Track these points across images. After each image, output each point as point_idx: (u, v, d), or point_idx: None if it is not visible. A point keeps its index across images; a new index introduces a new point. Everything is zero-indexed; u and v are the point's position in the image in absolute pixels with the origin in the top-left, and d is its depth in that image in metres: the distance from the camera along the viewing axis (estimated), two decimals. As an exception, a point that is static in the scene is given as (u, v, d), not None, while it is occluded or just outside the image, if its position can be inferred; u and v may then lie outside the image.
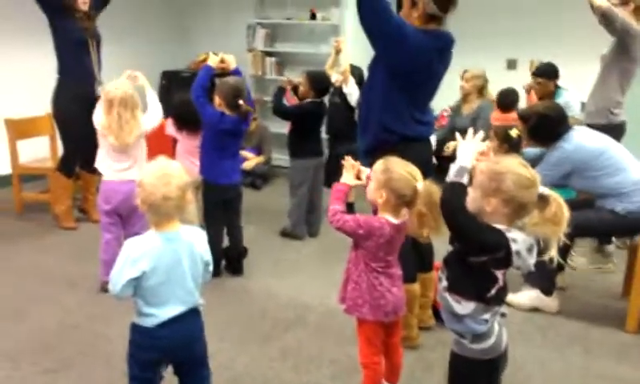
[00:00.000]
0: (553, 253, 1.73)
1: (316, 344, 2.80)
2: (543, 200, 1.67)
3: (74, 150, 4.27)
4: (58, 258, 3.76)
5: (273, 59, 6.81)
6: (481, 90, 5.30)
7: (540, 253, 1.71)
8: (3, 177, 4.97)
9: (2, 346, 2.70)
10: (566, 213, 1.68)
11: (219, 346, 2.69)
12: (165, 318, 1.87)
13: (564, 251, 3.34)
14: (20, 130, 4.58)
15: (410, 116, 2.64)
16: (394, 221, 2.07)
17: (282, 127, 6.58)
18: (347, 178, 2.20)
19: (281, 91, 4.31)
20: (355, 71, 4.64)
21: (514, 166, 1.68)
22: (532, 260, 1.70)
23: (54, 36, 4.16)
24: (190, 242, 1.91)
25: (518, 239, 1.65)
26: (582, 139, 3.15)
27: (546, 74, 4.68)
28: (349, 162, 2.24)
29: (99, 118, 3.14)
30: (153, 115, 3.36)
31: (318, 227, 4.38)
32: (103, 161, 3.18)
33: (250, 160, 5.85)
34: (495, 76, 5.49)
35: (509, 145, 3.47)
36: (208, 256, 1.98)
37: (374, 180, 2.09)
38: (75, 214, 4.47)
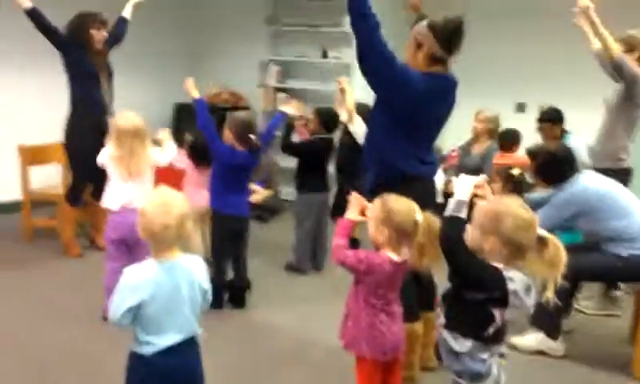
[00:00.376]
0: (550, 294, 1.75)
1: (319, 382, 2.77)
2: (541, 242, 1.69)
3: (82, 181, 4.34)
4: (62, 286, 3.77)
5: (284, 95, 6.91)
6: (492, 133, 5.34)
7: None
8: (14, 203, 5.03)
9: (5, 373, 2.69)
10: (564, 256, 1.70)
11: (217, 379, 2.67)
12: (163, 346, 1.87)
13: (570, 295, 3.32)
14: (32, 156, 4.66)
15: (413, 156, 2.66)
16: (396, 258, 2.08)
17: (291, 161, 6.62)
18: (352, 213, 2.21)
19: (289, 128, 4.36)
20: (363, 110, 4.70)
21: (513, 207, 1.70)
22: (530, 301, 1.71)
23: (66, 68, 4.27)
24: (189, 270, 1.93)
25: (515, 279, 1.66)
26: (588, 182, 3.16)
27: (551, 118, 4.72)
28: (354, 197, 2.26)
29: (109, 149, 3.19)
30: (168, 151, 3.43)
31: (323, 262, 4.38)
32: (111, 192, 3.22)
33: (258, 193, 5.87)
34: (504, 118, 5.53)
35: (511, 184, 3.49)
36: (206, 284, 1.99)
37: (373, 219, 2.11)
38: (83, 242, 4.51)
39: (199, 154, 4.08)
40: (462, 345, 1.75)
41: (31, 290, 3.68)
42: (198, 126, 3.52)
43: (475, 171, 5.16)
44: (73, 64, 4.24)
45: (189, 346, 1.95)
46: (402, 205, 2.07)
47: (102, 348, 2.94)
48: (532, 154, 3.40)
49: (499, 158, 4.82)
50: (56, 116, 4.40)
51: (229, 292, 3.64)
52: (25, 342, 2.99)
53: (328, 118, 4.33)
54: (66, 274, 3.99)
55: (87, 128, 4.14)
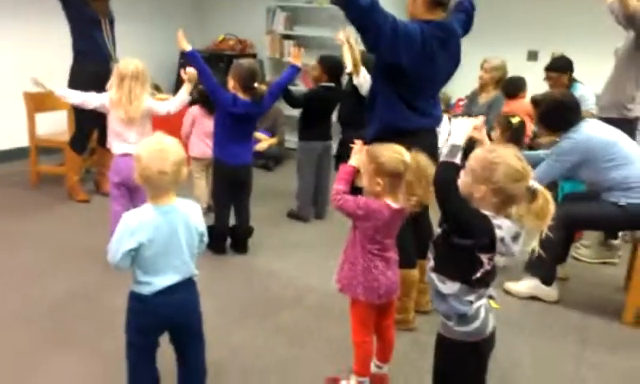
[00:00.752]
0: (534, 244, 1.76)
1: (314, 322, 2.86)
2: (532, 193, 1.69)
3: (87, 128, 4.38)
4: (70, 230, 3.88)
5: (291, 42, 6.83)
6: (499, 81, 5.27)
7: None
8: (21, 149, 5.11)
9: (16, 310, 2.81)
10: (552, 209, 1.69)
11: (218, 320, 2.77)
12: (161, 286, 1.94)
13: (566, 243, 3.36)
14: (38, 103, 4.69)
15: (412, 108, 2.67)
16: (394, 205, 2.12)
17: (296, 110, 6.62)
18: (355, 159, 2.24)
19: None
20: (369, 59, 4.65)
21: (507, 157, 1.70)
22: (516, 247, 1.72)
23: (67, 17, 4.26)
24: (186, 213, 1.97)
25: (503, 226, 1.68)
26: (591, 130, 3.13)
27: (558, 67, 4.65)
28: (357, 144, 2.28)
29: (110, 92, 3.22)
30: (174, 103, 3.45)
31: (325, 210, 4.44)
32: (112, 136, 3.27)
33: (263, 141, 5.90)
34: (516, 67, 5.45)
35: (510, 132, 3.48)
36: (202, 227, 2.05)
37: (365, 173, 2.15)
38: (90, 187, 4.59)
39: (210, 102, 4.11)
40: (449, 287, 1.78)
41: (39, 234, 3.79)
42: (200, 80, 3.51)
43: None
44: (74, 12, 4.23)
45: (186, 287, 2.02)
46: (388, 151, 2.11)
47: (108, 288, 3.04)
48: (536, 101, 3.37)
49: (505, 107, 4.79)
50: (60, 62, 4.41)
51: (231, 238, 3.71)
52: (33, 283, 3.10)
53: (332, 67, 4.29)
54: (72, 218, 4.09)
55: (90, 74, 4.15)
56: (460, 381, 1.86)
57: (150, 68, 6.56)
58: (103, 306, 2.90)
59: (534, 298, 3.24)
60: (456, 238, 1.74)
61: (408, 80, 2.61)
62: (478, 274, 1.75)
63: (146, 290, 1.94)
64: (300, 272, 3.45)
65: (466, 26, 2.87)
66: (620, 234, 3.94)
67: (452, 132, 1.82)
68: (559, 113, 3.19)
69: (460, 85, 5.91)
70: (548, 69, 4.66)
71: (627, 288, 3.23)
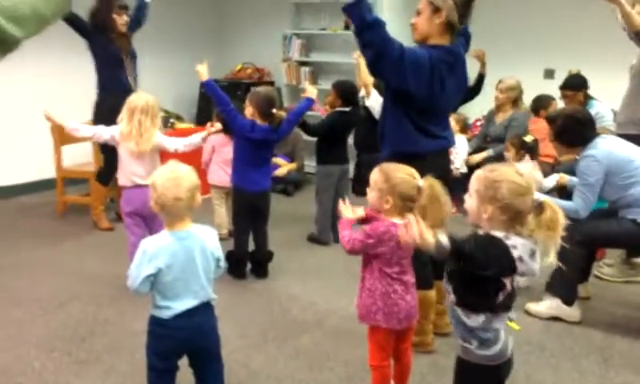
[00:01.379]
0: (551, 258, 1.73)
1: (332, 346, 2.88)
2: (539, 207, 1.69)
3: (113, 162, 4.50)
4: (95, 258, 3.97)
5: (307, 69, 6.95)
6: (515, 101, 5.30)
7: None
8: (48, 180, 5.27)
9: (41, 336, 2.89)
10: (562, 219, 1.69)
11: (238, 343, 2.81)
12: (180, 310, 1.99)
13: (587, 261, 3.33)
14: (64, 135, 4.81)
15: (422, 131, 2.70)
16: (400, 222, 2.11)
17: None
18: (347, 213, 2.25)
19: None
20: (381, 84, 4.72)
21: (509, 174, 1.71)
22: (536, 265, 1.71)
23: (91, 52, 4.43)
24: (202, 239, 2.03)
25: (518, 245, 1.67)
26: (609, 146, 3.12)
27: (574, 85, 4.65)
28: (344, 205, 2.29)
29: (120, 125, 3.33)
30: (184, 142, 3.53)
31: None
32: (123, 169, 3.37)
33: (283, 167, 5.98)
34: (532, 85, 5.47)
35: (524, 151, 3.49)
36: (219, 252, 2.10)
37: (376, 190, 2.16)
38: (112, 216, 4.71)
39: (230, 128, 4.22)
40: (474, 320, 1.76)
41: (64, 262, 3.89)
42: (218, 108, 3.59)
43: (498, 140, 5.17)
44: (98, 49, 4.41)
45: (204, 311, 2.06)
46: (402, 173, 2.12)
47: (129, 314, 3.11)
48: (551, 119, 3.37)
49: (532, 124, 4.83)
50: (86, 96, 4.57)
51: (251, 263, 3.76)
52: (58, 310, 3.18)
53: (346, 91, 4.36)
54: (96, 246, 4.19)
55: (113, 110, 4.25)
56: None
57: (172, 100, 6.76)
58: (124, 330, 2.96)
59: (555, 318, 3.20)
60: (476, 271, 1.73)
61: (417, 104, 2.64)
62: (501, 298, 1.74)
63: (165, 314, 2.00)
64: (319, 296, 3.47)
65: (465, 51, 2.93)
66: (643, 251, 3.89)
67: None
68: (574, 128, 3.18)
69: (477, 105, 5.95)
70: (563, 87, 4.67)
71: (652, 307, 3.18)
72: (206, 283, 2.05)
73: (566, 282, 3.17)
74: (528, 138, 3.54)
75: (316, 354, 2.79)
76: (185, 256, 1.98)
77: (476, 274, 1.70)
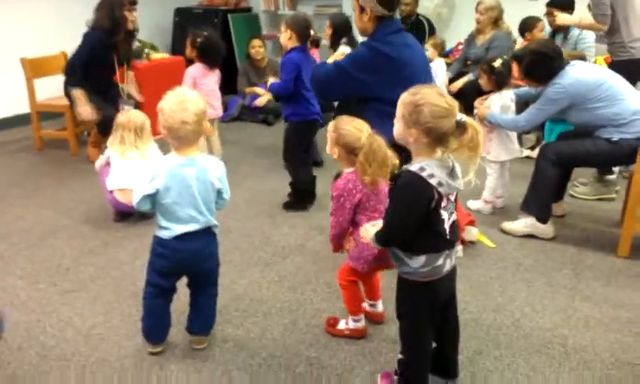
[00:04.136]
0: (471, 176, 1.76)
1: (312, 269, 2.95)
2: (461, 126, 1.70)
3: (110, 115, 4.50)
4: (75, 191, 3.96)
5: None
6: (495, 21, 5.24)
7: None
8: (23, 115, 5.17)
9: (25, 270, 2.92)
10: (481, 138, 1.72)
11: (222, 269, 2.87)
12: (179, 232, 2.05)
13: (562, 180, 3.41)
14: (36, 68, 4.73)
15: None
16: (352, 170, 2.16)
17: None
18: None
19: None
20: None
21: (431, 96, 1.71)
22: (458, 180, 1.76)
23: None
24: (203, 167, 2.05)
25: (435, 172, 1.70)
26: (578, 73, 3.13)
27: (560, 4, 4.59)
28: None
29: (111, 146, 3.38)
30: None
31: (320, 155, 4.47)
32: (112, 175, 3.37)
33: (262, 97, 5.91)
34: (516, 7, 5.39)
35: (495, 76, 3.49)
36: (220, 184, 2.12)
37: (329, 139, 2.22)
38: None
39: (210, 53, 4.20)
40: (417, 261, 1.79)
41: (46, 194, 3.88)
42: (282, 88, 3.53)
43: (478, 62, 5.14)
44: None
45: (204, 236, 2.12)
46: (349, 126, 2.16)
47: (113, 245, 3.16)
48: (517, 57, 3.36)
49: (520, 46, 4.80)
50: (57, 28, 4.42)
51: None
52: (43, 242, 3.20)
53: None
54: (76, 178, 4.17)
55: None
56: (414, 318, 1.88)
57: (146, 29, 6.57)
58: (109, 260, 3.00)
59: (530, 236, 3.30)
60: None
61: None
62: (448, 234, 1.78)
63: (165, 235, 2.07)
64: (303, 221, 3.52)
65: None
66: (617, 169, 3.97)
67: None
68: (542, 63, 3.18)
69: (458, 29, 5.87)
70: (549, 5, 4.62)
71: (623, 221, 3.28)
72: (206, 210, 2.09)
73: (541, 200, 3.25)
74: (497, 63, 3.50)
75: (298, 277, 2.87)
76: (182, 181, 2.03)
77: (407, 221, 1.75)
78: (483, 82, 3.59)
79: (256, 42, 5.94)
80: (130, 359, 2.22)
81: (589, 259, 3.08)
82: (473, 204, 3.69)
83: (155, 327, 2.23)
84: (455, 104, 1.73)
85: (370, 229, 1.93)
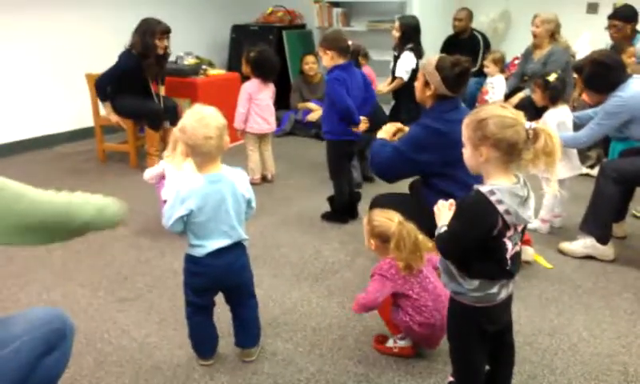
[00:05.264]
0: (554, 186, 1.74)
1: (361, 286, 2.93)
2: (533, 134, 1.64)
3: (155, 109, 4.82)
4: (134, 202, 4.08)
5: (339, 10, 6.82)
6: (552, 35, 5.11)
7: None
8: (87, 129, 5.42)
9: (86, 278, 3.04)
10: (557, 141, 1.63)
11: (273, 282, 2.91)
12: (212, 248, 2.08)
13: (624, 200, 3.27)
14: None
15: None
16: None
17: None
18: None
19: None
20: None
21: (493, 110, 1.67)
22: (528, 212, 1.67)
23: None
24: (232, 181, 2.08)
25: (505, 199, 1.62)
26: (637, 87, 3.02)
27: (624, 16, 4.45)
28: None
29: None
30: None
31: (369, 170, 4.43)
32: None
33: (315, 112, 5.97)
34: (575, 20, 5.26)
35: (550, 91, 3.39)
36: (249, 194, 2.15)
37: (364, 231, 2.35)
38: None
39: (263, 67, 4.32)
40: (470, 283, 1.73)
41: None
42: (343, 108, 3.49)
43: (535, 77, 5.02)
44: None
45: (235, 250, 2.15)
46: (382, 217, 2.28)
47: (170, 255, 3.24)
48: (578, 68, 3.27)
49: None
50: (120, 44, 4.63)
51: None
52: (104, 250, 3.33)
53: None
54: (137, 189, 4.31)
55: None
56: (464, 341, 1.86)
57: (204, 46, 6.77)
58: (165, 270, 3.09)
59: (589, 257, 3.18)
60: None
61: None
62: (509, 263, 1.71)
63: (198, 253, 2.09)
64: (350, 237, 3.52)
65: None
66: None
67: (438, 218, 1.82)
68: (603, 74, 3.10)
69: (515, 43, 5.76)
70: (612, 17, 4.49)
71: (689, 245, 3.12)
72: (237, 224, 2.12)
73: (600, 220, 3.13)
74: (551, 77, 3.40)
75: (347, 293, 2.86)
76: (216, 198, 2.04)
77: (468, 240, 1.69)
78: (537, 96, 3.50)
79: (309, 58, 6.01)
80: (182, 368, 2.28)
81: (652, 283, 2.94)
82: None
83: (201, 343, 2.28)
84: (520, 113, 1.67)
85: (442, 210, 1.81)
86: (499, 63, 5.34)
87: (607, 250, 3.15)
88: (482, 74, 5.61)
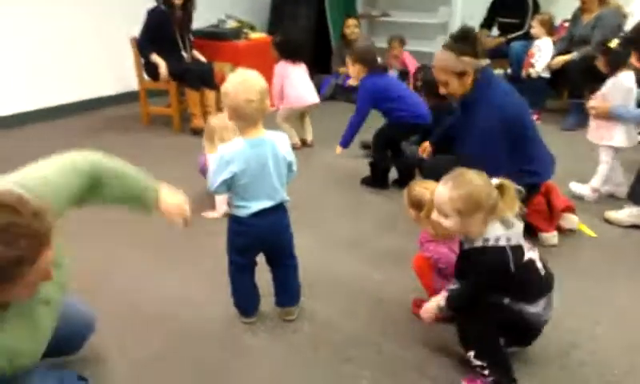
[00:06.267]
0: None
1: (403, 250, 2.95)
2: (500, 189, 1.86)
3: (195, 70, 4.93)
4: (177, 166, 4.17)
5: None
6: None
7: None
8: (132, 92, 5.53)
9: (133, 240, 3.13)
10: (514, 192, 1.88)
11: (313, 246, 2.96)
12: (255, 209, 2.13)
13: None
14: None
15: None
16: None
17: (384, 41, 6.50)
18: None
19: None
20: None
21: (472, 180, 1.83)
22: (515, 223, 1.87)
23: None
24: (274, 144, 2.11)
25: (498, 233, 1.83)
26: None
27: None
28: None
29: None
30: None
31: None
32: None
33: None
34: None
35: (610, 56, 3.25)
36: (290, 157, 2.18)
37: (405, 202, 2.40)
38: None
39: (290, 50, 4.40)
40: (534, 306, 1.91)
41: (155, 166, 4.10)
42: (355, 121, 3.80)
43: (584, 41, 4.83)
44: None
45: (278, 211, 2.20)
46: (420, 187, 2.33)
47: (211, 218, 3.31)
48: (629, 40, 3.28)
49: None
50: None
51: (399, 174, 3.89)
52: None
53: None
54: (182, 152, 4.41)
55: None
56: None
57: (244, 9, 6.73)
58: (206, 233, 3.14)
59: (635, 226, 3.10)
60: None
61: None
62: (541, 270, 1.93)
63: (242, 213, 2.14)
64: (393, 200, 3.53)
65: None
66: None
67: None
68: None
69: (567, 4, 5.53)
70: None
71: None
72: (279, 186, 2.16)
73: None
74: (613, 43, 3.26)
75: (388, 258, 2.88)
76: (258, 161, 2.08)
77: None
78: (601, 64, 3.37)
79: (351, 22, 5.94)
80: (224, 325, 2.36)
81: (701, 254, 2.85)
82: (577, 187, 3.50)
83: (244, 301, 2.35)
84: (486, 176, 1.86)
85: (429, 307, 2.05)
86: (546, 25, 5.15)
87: (655, 219, 3.07)
88: (529, 37, 5.44)
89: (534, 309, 1.89)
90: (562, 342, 2.21)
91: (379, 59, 3.72)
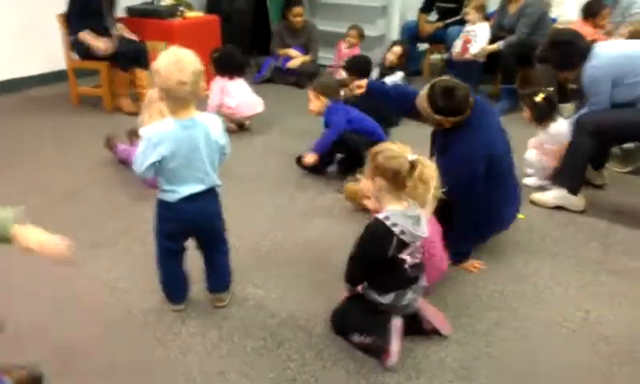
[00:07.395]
0: (428, 210, 2.09)
1: (338, 233, 2.96)
2: (412, 165, 1.91)
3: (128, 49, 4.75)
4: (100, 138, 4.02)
5: None
6: None
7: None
8: (59, 72, 5.26)
9: (56, 223, 2.98)
10: (434, 172, 1.94)
11: (246, 229, 2.92)
12: (184, 194, 2.05)
13: (601, 152, 3.32)
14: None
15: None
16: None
17: (330, 25, 6.49)
18: None
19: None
20: None
21: (385, 147, 1.98)
22: (422, 228, 1.96)
23: None
24: (206, 126, 2.04)
25: (399, 221, 1.92)
26: (605, 49, 3.07)
27: None
28: None
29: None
30: None
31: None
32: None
33: (296, 59, 5.87)
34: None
35: (537, 111, 3.36)
36: (222, 140, 2.11)
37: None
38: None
39: (227, 66, 4.29)
40: (387, 298, 2.04)
41: (82, 149, 3.97)
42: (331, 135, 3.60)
43: (511, 31, 4.96)
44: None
45: (208, 195, 2.13)
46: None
47: (143, 202, 3.20)
48: (541, 59, 3.38)
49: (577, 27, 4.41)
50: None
51: None
52: (74, 195, 3.30)
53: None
54: (109, 128, 4.25)
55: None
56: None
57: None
58: (136, 217, 3.05)
59: (560, 207, 3.23)
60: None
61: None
62: (408, 271, 2.02)
63: (170, 198, 2.07)
64: (329, 185, 3.53)
65: None
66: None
67: None
68: (569, 51, 3.10)
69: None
70: None
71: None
72: (211, 170, 2.09)
73: (573, 171, 3.17)
74: (538, 97, 3.32)
75: (323, 241, 2.88)
76: (189, 144, 2.00)
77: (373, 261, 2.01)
78: (526, 115, 3.45)
79: (297, 10, 5.85)
80: (152, 313, 2.29)
81: (619, 233, 3.00)
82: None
83: (173, 288, 2.29)
84: (405, 149, 1.94)
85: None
86: (481, 10, 5.22)
87: (578, 201, 3.20)
88: (466, 22, 5.52)
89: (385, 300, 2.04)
90: (487, 320, 2.28)
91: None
